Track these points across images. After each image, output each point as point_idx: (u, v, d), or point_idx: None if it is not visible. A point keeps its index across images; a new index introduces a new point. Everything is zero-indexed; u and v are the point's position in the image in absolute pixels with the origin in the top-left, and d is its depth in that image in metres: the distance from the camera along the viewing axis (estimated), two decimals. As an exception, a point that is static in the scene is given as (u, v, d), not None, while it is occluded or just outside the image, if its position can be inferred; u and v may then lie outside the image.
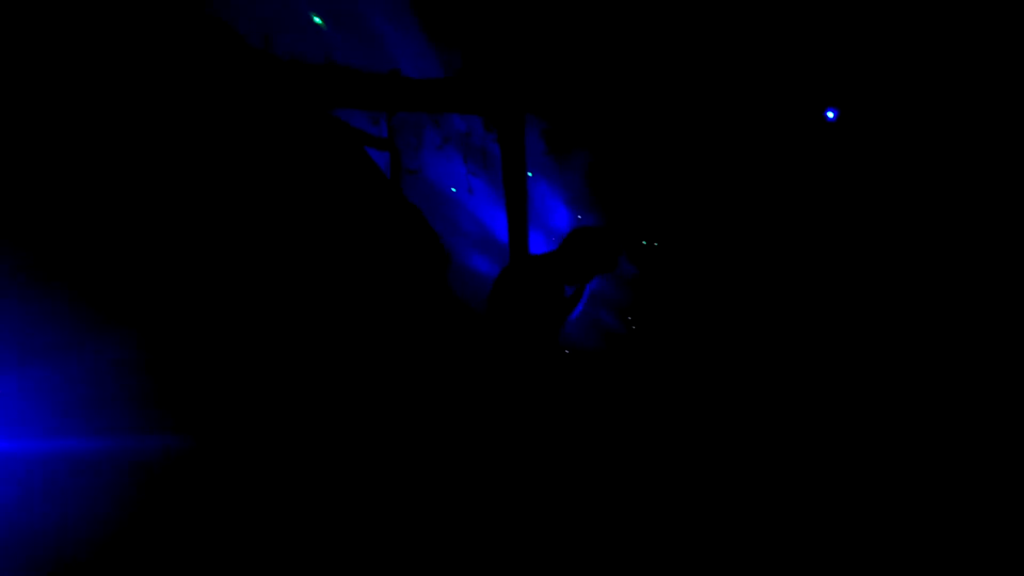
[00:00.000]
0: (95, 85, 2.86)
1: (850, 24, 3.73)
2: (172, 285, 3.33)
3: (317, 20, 4.30)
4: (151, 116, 3.23)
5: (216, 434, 3.11)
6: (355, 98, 4.26)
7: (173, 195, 3.47)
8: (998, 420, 3.53)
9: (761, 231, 4.52)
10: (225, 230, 3.77)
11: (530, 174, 4.94)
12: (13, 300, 2.21)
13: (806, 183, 4.29)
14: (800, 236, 4.42)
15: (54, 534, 2.19)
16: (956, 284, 4.00)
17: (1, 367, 2.19)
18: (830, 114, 3.89)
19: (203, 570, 2.58)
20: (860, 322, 4.43)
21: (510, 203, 4.49)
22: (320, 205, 4.39)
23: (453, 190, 5.03)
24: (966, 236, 3.99)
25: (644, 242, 4.68)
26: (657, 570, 3.06)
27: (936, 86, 3.78)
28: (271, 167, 4.16)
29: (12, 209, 2.43)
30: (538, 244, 4.64)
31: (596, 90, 4.41)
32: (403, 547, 3.04)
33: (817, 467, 3.78)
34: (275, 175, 4.17)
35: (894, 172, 3.96)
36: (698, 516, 3.41)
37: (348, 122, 4.70)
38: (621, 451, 4.07)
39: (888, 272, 4.28)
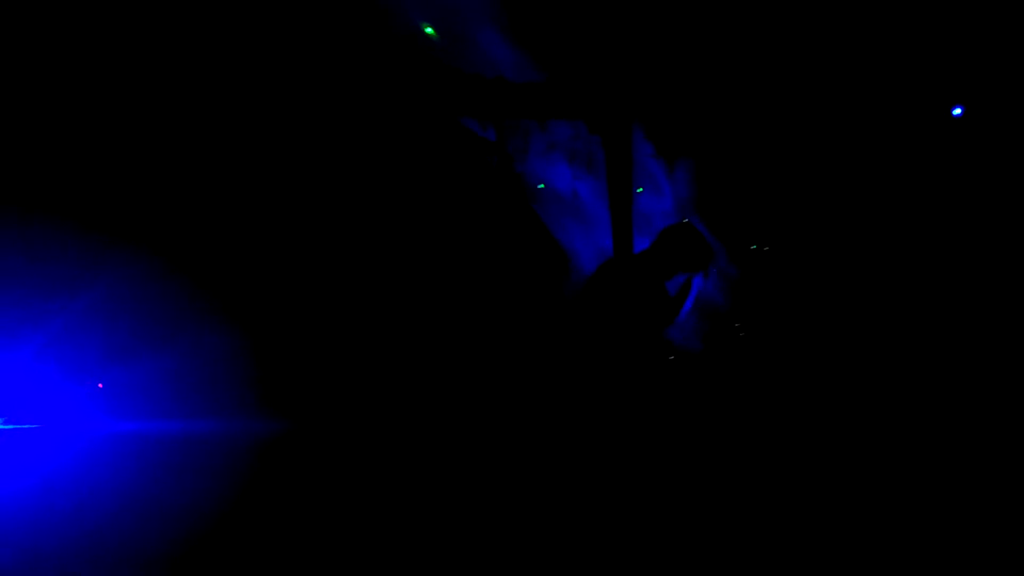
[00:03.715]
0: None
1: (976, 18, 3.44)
2: (290, 282, 3.56)
3: (429, 31, 4.44)
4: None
5: (319, 420, 3.30)
6: (469, 105, 4.39)
7: (292, 196, 3.71)
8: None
9: (880, 235, 4.24)
10: (339, 228, 3.99)
11: (640, 189, 4.88)
12: (130, 300, 2.46)
13: (932, 183, 3.98)
14: (924, 240, 4.11)
15: (169, 506, 2.43)
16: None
17: (118, 358, 2.44)
18: (957, 110, 3.60)
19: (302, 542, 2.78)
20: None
21: (615, 209, 4.47)
22: (447, 207, 4.51)
23: (541, 186, 5.05)
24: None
25: (754, 246, 4.51)
26: None
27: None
28: (406, 168, 4.32)
29: (125, 215, 2.69)
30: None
31: (705, 94, 4.31)
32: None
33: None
34: (407, 176, 4.33)
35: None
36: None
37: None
38: (724, 458, 3.95)
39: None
